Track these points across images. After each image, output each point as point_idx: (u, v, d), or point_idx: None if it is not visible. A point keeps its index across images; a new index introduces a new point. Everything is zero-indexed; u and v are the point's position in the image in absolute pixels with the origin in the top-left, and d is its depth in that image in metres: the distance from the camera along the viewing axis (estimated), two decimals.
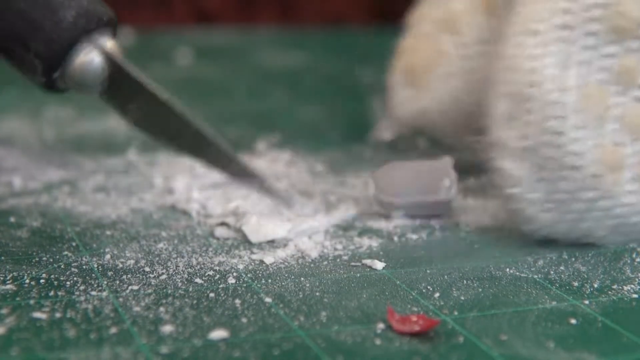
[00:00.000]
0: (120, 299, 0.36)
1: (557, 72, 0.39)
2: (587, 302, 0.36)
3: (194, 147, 0.43)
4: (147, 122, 0.44)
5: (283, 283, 0.37)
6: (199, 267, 0.39)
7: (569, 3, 0.40)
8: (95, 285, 0.37)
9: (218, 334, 0.33)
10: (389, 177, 0.44)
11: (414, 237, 0.43)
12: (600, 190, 0.40)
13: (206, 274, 0.38)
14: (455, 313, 0.35)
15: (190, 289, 0.37)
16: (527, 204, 0.40)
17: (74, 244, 0.41)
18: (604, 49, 0.40)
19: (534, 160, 0.40)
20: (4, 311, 0.34)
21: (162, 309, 0.35)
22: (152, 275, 0.38)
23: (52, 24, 0.42)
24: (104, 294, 0.36)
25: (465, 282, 0.38)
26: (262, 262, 0.39)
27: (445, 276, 0.38)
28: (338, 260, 0.40)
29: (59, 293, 0.36)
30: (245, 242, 0.41)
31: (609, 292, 0.37)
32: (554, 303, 0.36)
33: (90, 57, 0.43)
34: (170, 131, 0.43)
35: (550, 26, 0.40)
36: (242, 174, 0.43)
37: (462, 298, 0.36)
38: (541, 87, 0.39)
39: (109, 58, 0.43)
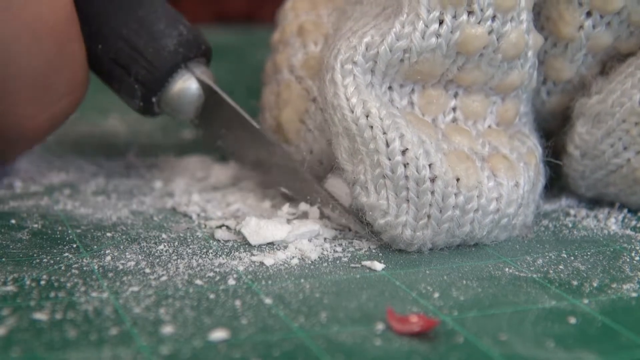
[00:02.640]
0: (121, 300, 0.36)
1: (377, 103, 0.39)
2: (586, 301, 0.36)
3: (282, 175, 0.44)
4: (237, 148, 0.46)
5: (283, 284, 0.38)
6: (199, 268, 0.39)
7: (374, 31, 0.40)
8: (96, 287, 0.37)
9: (218, 334, 0.33)
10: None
11: None
12: (467, 192, 0.39)
13: (206, 276, 0.38)
14: (455, 313, 0.35)
15: (191, 290, 0.37)
16: (401, 228, 0.40)
17: (74, 245, 0.41)
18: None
19: (391, 185, 0.39)
20: (5, 312, 0.34)
21: (162, 310, 0.35)
22: (152, 277, 0.38)
23: (154, 51, 0.44)
24: (105, 295, 0.36)
25: (464, 282, 0.38)
26: (262, 263, 0.39)
27: (445, 276, 0.38)
28: (338, 261, 0.40)
29: (60, 294, 0.36)
30: (245, 244, 0.41)
31: (609, 291, 0.37)
32: (553, 302, 0.36)
33: (188, 84, 0.45)
34: (261, 158, 0.45)
35: (356, 60, 0.40)
36: (324, 203, 0.43)
37: (462, 298, 0.37)
38: (361, 119, 0.39)
39: (205, 85, 0.45)
